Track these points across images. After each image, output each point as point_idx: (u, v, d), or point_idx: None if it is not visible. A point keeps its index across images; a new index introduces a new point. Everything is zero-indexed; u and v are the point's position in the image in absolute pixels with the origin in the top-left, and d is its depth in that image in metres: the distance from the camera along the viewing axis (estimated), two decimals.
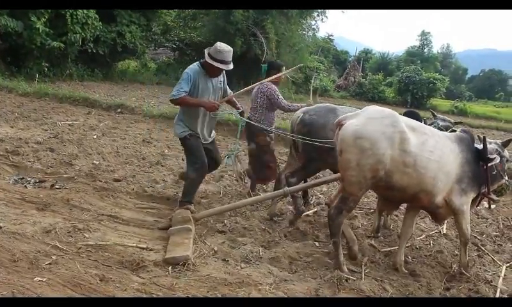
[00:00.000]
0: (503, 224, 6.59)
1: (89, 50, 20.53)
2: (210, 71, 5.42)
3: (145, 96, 17.77)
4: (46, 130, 9.69)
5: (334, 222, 4.36)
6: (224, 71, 5.61)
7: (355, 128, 4.11)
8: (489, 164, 4.56)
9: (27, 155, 7.58)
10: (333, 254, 4.54)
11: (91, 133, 9.93)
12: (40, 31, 17.31)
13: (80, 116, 12.07)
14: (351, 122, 4.17)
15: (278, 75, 6.27)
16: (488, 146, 4.66)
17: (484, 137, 4.64)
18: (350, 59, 53.14)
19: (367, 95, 34.13)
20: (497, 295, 4.26)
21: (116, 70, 23.94)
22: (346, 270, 4.44)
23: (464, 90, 59.42)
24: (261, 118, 6.40)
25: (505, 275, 4.76)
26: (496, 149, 4.75)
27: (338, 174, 4.85)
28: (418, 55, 59.05)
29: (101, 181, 6.57)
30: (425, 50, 63.96)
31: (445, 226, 6.06)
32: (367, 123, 4.13)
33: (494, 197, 4.90)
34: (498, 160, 4.65)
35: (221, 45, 5.38)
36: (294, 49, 27.39)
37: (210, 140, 5.80)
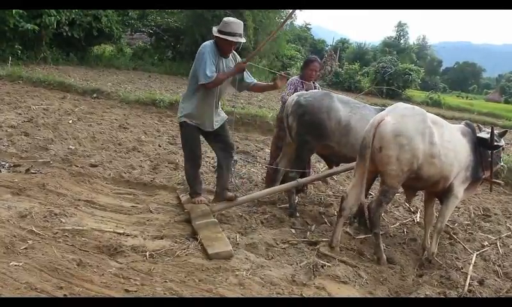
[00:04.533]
0: (474, 213, 6.75)
1: (65, 34, 20.18)
2: (223, 49, 5.04)
3: (121, 81, 17.58)
4: (20, 114, 9.54)
5: (375, 214, 4.64)
6: (237, 56, 5.35)
7: (393, 126, 4.40)
8: (495, 151, 4.99)
9: (0, 138, 7.46)
10: (374, 244, 4.74)
11: (66, 118, 9.80)
12: (13, 12, 16.92)
13: (55, 100, 11.88)
14: (388, 120, 4.44)
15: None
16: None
17: (492, 127, 5.04)
18: (327, 48, 53.39)
19: (343, 85, 34.33)
20: (467, 282, 4.38)
21: (91, 54, 23.61)
22: (385, 261, 4.65)
23: (438, 82, 60.36)
24: None
25: (475, 262, 4.90)
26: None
27: (350, 165, 5.41)
28: (394, 46, 59.61)
29: (77, 166, 6.51)
30: (402, 41, 64.59)
31: (418, 215, 6.20)
32: (402, 120, 4.44)
33: (499, 181, 5.50)
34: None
35: (228, 18, 5.04)
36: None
37: (218, 125, 5.34)
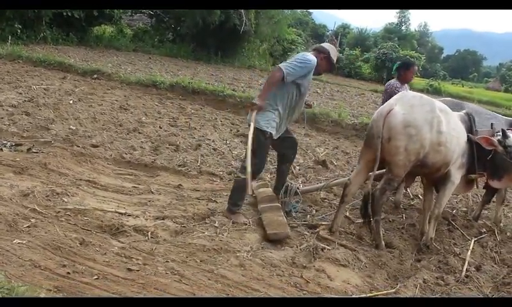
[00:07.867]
0: (472, 200, 6.78)
1: (65, 14, 20.01)
2: (322, 69, 5.04)
3: (121, 62, 17.51)
4: (21, 94, 9.52)
5: (378, 202, 4.63)
6: None
7: (403, 116, 4.37)
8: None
9: (1, 118, 7.47)
10: (374, 231, 4.74)
11: (67, 98, 9.78)
12: None
13: (56, 80, 11.85)
14: (397, 110, 4.41)
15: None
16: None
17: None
18: (328, 33, 53.24)
19: (343, 70, 34.28)
20: (465, 267, 4.43)
21: (91, 34, 23.45)
22: (384, 247, 4.67)
23: (439, 69, 60.24)
24: None
25: (473, 248, 4.94)
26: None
27: None
28: (395, 33, 59.38)
29: (78, 146, 6.53)
30: (403, 28, 64.31)
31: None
32: (411, 111, 4.41)
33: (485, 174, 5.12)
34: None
35: (333, 48, 5.06)
36: (272, 21, 27.24)
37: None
